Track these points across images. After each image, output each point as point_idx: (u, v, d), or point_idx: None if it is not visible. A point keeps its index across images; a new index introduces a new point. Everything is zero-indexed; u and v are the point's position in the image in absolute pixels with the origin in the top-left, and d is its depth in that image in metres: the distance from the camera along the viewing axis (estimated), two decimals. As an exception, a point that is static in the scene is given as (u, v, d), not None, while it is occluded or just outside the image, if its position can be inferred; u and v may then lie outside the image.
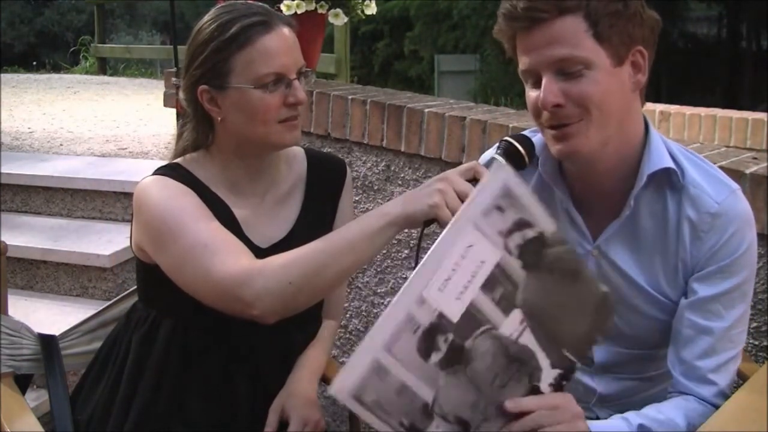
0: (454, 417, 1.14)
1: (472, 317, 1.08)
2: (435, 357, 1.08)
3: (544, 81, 1.28)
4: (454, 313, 1.07)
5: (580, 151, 1.31)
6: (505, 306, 1.10)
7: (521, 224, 1.08)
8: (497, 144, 1.37)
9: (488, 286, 1.08)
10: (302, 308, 1.40)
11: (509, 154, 1.34)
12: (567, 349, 1.19)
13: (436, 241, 1.06)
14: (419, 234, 1.28)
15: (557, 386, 1.19)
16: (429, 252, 1.06)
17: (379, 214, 1.29)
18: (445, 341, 1.08)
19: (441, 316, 1.06)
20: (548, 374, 1.18)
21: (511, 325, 1.11)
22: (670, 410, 1.31)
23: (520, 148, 1.34)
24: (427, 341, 1.07)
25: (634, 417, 1.29)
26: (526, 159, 1.35)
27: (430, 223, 1.25)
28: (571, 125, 1.29)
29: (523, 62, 1.31)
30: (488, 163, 1.33)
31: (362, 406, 1.06)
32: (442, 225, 1.24)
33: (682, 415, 1.30)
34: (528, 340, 1.14)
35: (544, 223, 1.10)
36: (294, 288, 1.31)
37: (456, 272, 1.05)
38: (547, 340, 1.16)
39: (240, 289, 1.32)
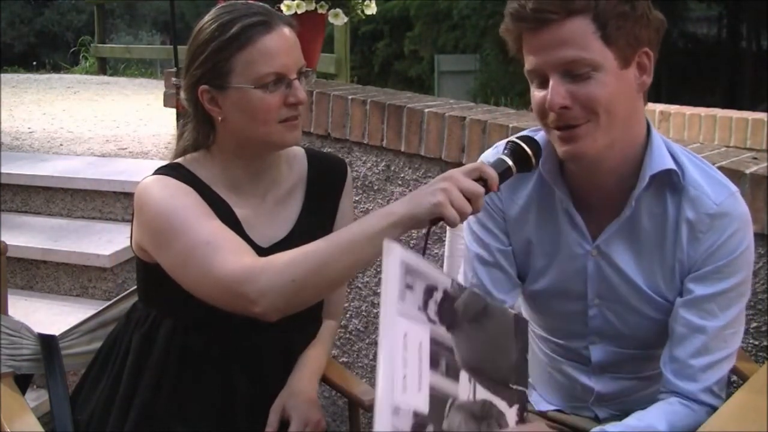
0: None
1: (437, 400, 1.08)
2: None
3: (551, 82, 1.27)
4: (423, 406, 1.06)
5: (586, 153, 1.31)
6: (453, 373, 1.10)
7: (429, 291, 1.07)
8: (504, 145, 1.36)
9: (434, 363, 1.07)
10: (305, 306, 1.40)
11: (516, 155, 1.33)
12: (512, 382, 1.19)
13: (379, 349, 1.06)
14: (426, 233, 1.28)
15: (521, 419, 1.20)
16: (378, 362, 1.05)
17: (383, 214, 1.28)
18: None
19: (416, 414, 1.05)
20: (511, 414, 1.19)
21: (464, 388, 1.12)
22: (652, 417, 1.31)
23: (528, 149, 1.33)
24: None
25: (612, 428, 1.29)
26: (533, 160, 1.34)
27: (436, 222, 1.25)
28: (578, 127, 1.29)
29: (529, 62, 1.30)
30: (496, 164, 1.31)
31: None
32: (448, 223, 1.23)
33: (664, 421, 1.30)
34: (482, 393, 1.14)
35: (442, 280, 1.09)
36: (297, 286, 1.31)
37: (407, 366, 1.04)
38: (494, 384, 1.16)
39: (243, 286, 1.32)
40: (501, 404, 1.17)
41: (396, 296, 1.04)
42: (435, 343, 1.08)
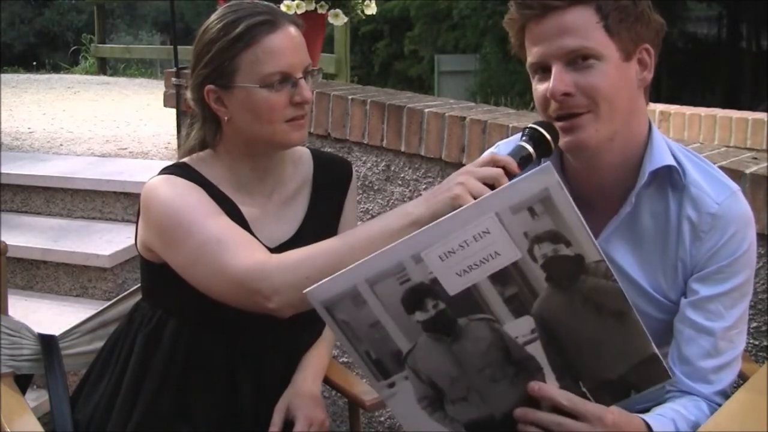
0: (428, 379, 1.13)
1: (472, 299, 1.07)
2: (419, 316, 1.08)
3: (554, 70, 1.28)
4: (451, 286, 1.06)
5: (587, 144, 1.31)
6: (516, 307, 1.08)
7: (555, 237, 1.03)
8: (522, 131, 1.33)
9: (499, 279, 1.06)
10: None
11: (535, 140, 1.29)
12: (586, 385, 1.14)
13: (452, 213, 1.05)
14: None
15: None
16: (441, 219, 1.04)
17: (401, 213, 1.28)
18: (434, 306, 1.07)
19: (435, 281, 1.06)
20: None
21: (520, 329, 1.09)
22: (700, 416, 1.30)
23: (547, 134, 1.30)
24: (414, 298, 1.07)
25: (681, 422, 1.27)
26: (552, 144, 1.30)
27: None
28: (579, 116, 1.29)
29: (532, 54, 1.31)
30: (515, 151, 1.28)
31: (332, 319, 1.09)
32: None
33: (712, 421, 1.28)
34: (536, 352, 1.11)
35: (587, 248, 1.04)
36: (311, 282, 1.30)
37: (463, 250, 1.03)
38: (562, 364, 1.12)
39: (256, 283, 1.32)
40: (551, 381, 1.13)
41: (508, 201, 1.01)
42: (517, 270, 1.05)
